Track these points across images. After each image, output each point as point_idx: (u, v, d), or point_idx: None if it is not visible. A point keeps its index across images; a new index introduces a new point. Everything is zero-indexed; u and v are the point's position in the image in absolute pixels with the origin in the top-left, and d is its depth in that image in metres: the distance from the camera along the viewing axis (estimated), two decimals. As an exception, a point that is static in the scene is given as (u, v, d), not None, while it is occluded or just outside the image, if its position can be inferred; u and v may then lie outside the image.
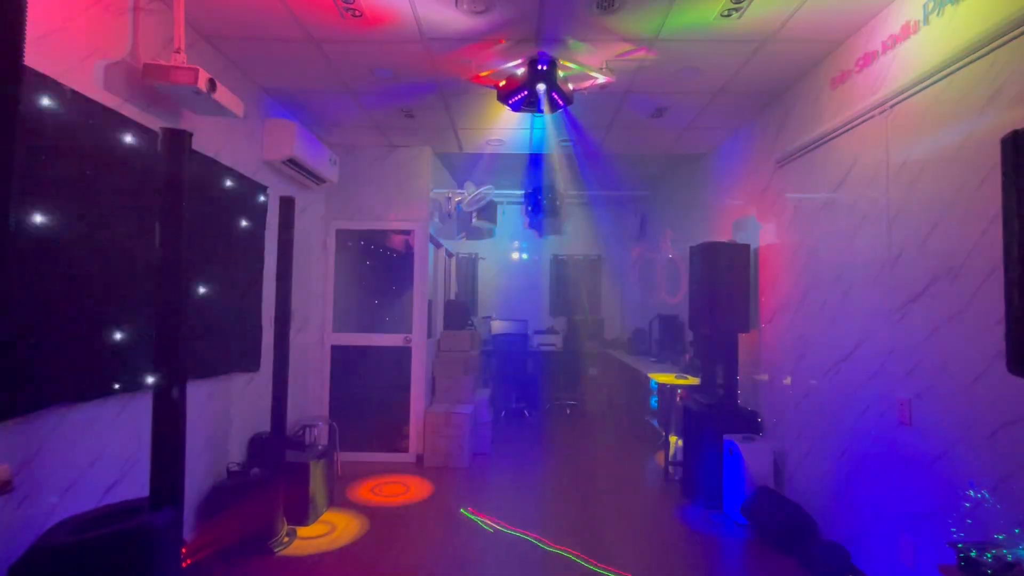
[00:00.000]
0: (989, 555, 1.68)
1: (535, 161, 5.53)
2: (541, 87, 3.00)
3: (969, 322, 2.10)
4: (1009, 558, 1.66)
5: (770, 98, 3.70)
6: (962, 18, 2.17)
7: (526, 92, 3.04)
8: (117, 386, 2.28)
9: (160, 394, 1.98)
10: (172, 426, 1.99)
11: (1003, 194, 1.44)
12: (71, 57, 2.09)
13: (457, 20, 2.74)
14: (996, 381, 1.96)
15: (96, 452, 2.25)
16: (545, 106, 3.15)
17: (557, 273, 7.86)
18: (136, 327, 2.34)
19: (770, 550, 3.11)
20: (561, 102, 3.12)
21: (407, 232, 5.03)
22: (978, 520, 2.02)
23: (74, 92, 2.06)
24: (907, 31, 2.47)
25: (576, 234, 7.73)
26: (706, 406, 3.94)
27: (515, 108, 3.21)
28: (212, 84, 2.44)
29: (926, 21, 2.36)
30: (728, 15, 2.66)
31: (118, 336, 2.27)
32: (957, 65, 2.17)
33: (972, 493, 2.05)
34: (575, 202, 7.17)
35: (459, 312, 5.99)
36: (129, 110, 2.36)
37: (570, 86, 3.15)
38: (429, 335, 5.01)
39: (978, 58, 2.07)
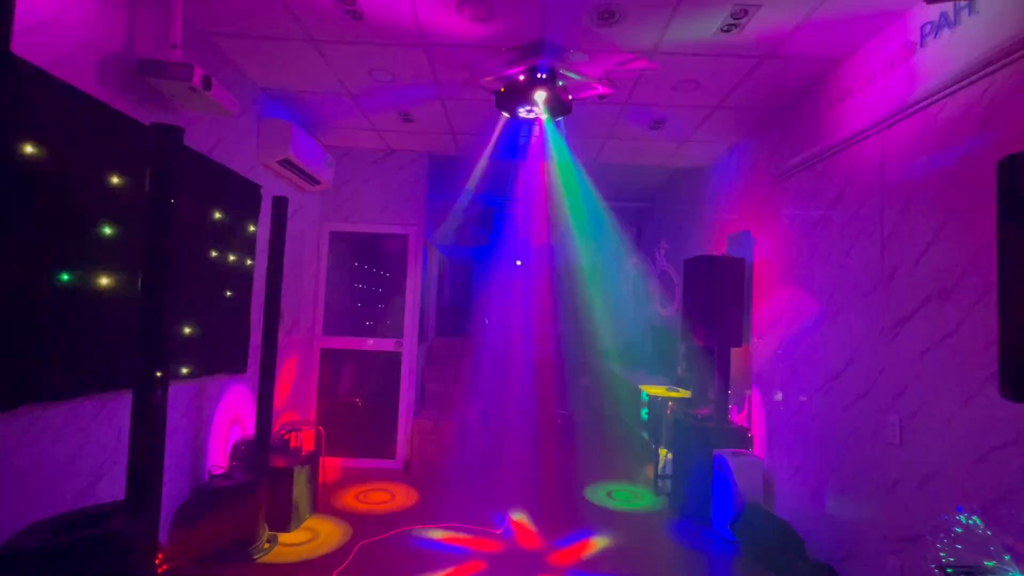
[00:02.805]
0: (978, 581, 1.66)
1: (532, 169, 5.53)
2: (540, 95, 2.99)
3: (961, 344, 2.09)
4: (997, 584, 1.64)
5: (768, 114, 3.72)
6: (960, 41, 2.19)
7: (524, 100, 3.03)
8: (95, 385, 2.23)
9: (140, 395, 1.93)
10: (151, 428, 1.94)
11: (998, 218, 1.44)
12: (63, 48, 2.05)
13: (458, 26, 2.74)
14: (987, 404, 1.95)
15: (71, 453, 2.19)
16: (543, 114, 3.15)
17: (552, 282, 7.83)
18: (119, 325, 2.29)
19: (757, 568, 3.08)
20: (559, 111, 3.12)
21: (402, 236, 5.00)
22: (967, 544, 2.00)
23: (65, 84, 2.02)
24: (905, 53, 2.49)
25: (572, 243, 7.71)
26: (697, 420, 3.92)
27: (513, 115, 3.20)
28: (207, 81, 2.41)
29: (923, 43, 2.38)
30: (728, 30, 2.68)
31: (99, 333, 2.22)
32: (954, 87, 2.18)
33: (961, 517, 2.03)
34: (572, 211, 7.17)
35: (452, 318, 5.95)
36: (121, 104, 2.33)
37: (569, 96, 3.14)
38: (421, 341, 4.97)
39: (975, 81, 2.09)
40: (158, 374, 1.96)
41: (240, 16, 2.72)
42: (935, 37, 2.31)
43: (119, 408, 2.37)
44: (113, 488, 2.37)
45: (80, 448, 2.23)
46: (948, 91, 2.20)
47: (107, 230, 2.23)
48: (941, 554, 2.07)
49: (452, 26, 2.74)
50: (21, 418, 1.94)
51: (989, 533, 1.91)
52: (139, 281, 1.99)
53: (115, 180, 2.26)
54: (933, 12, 2.30)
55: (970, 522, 1.98)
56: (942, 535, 2.11)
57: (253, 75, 3.44)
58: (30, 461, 1.99)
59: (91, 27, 2.19)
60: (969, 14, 2.14)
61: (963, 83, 2.13)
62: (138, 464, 1.93)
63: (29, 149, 1.88)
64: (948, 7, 2.22)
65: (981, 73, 2.05)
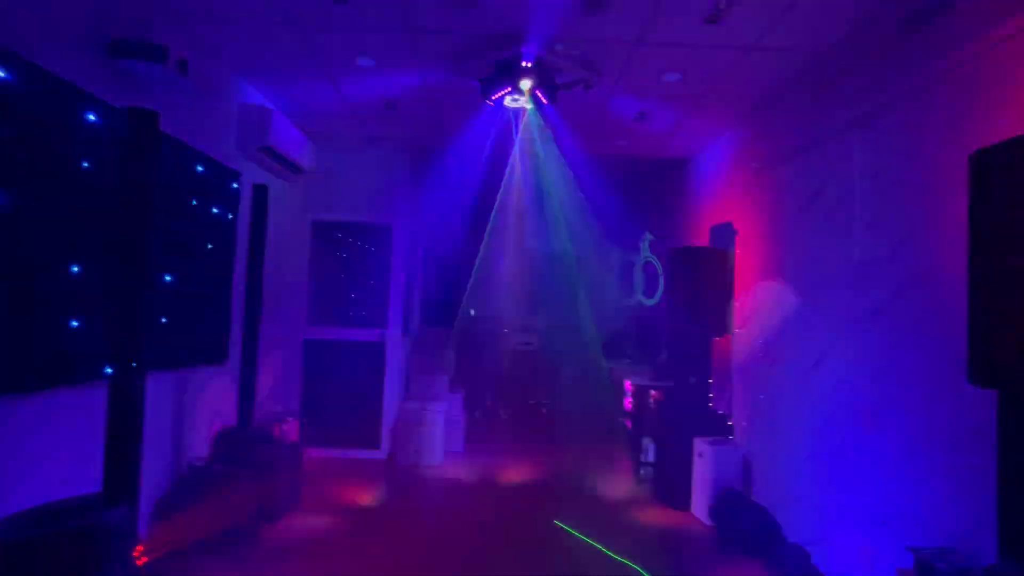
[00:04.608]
0: (944, 560, 1.73)
1: (517, 159, 5.50)
2: (525, 84, 2.97)
3: (933, 333, 2.15)
4: (961, 564, 1.70)
5: (752, 106, 3.75)
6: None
7: (510, 88, 3.01)
8: (72, 377, 2.18)
9: (116, 386, 1.90)
10: (129, 419, 1.91)
11: (969, 210, 1.48)
12: (30, 28, 1.98)
13: (443, 11, 2.70)
14: (957, 391, 2.01)
15: (48, 445, 2.14)
16: (528, 103, 3.13)
17: (536, 272, 7.85)
18: (94, 314, 2.24)
19: (735, 551, 3.15)
20: (545, 100, 3.11)
21: (386, 226, 4.95)
22: (936, 526, 2.08)
23: (31, 64, 1.95)
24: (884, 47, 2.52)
25: (557, 234, 7.73)
26: (678, 409, 3.98)
27: (498, 104, 3.18)
28: (183, 64, 2.35)
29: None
30: (712, 21, 2.68)
31: (73, 323, 2.17)
32: (931, 82, 2.22)
33: (931, 500, 2.10)
34: (557, 202, 7.17)
35: (437, 309, 5.93)
36: (93, 87, 2.25)
37: (555, 83, 3.13)
38: (405, 331, 4.95)
39: (950, 76, 2.12)
40: (135, 365, 1.92)
41: (218, -3, 2.64)
42: (914, 31, 2.34)
43: (96, 400, 2.31)
44: (91, 480, 2.32)
45: (56, 440, 2.18)
46: (926, 85, 2.24)
47: (80, 219, 2.17)
48: (912, 535, 2.14)
49: (437, 11, 2.70)
50: (-8, 409, 1.89)
51: (956, 515, 1.98)
52: (115, 270, 1.95)
53: (84, 165, 2.19)
54: (912, 6, 2.33)
55: (939, 504, 2.05)
56: (913, 517, 2.19)
57: (233, 59, 3.35)
58: (4, 454, 1.95)
59: (60, 6, 2.11)
60: (946, 9, 2.17)
61: (940, 78, 2.17)
62: (116, 455, 1.91)
63: (-4, 132, 1.81)
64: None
65: (958, 68, 2.08)
